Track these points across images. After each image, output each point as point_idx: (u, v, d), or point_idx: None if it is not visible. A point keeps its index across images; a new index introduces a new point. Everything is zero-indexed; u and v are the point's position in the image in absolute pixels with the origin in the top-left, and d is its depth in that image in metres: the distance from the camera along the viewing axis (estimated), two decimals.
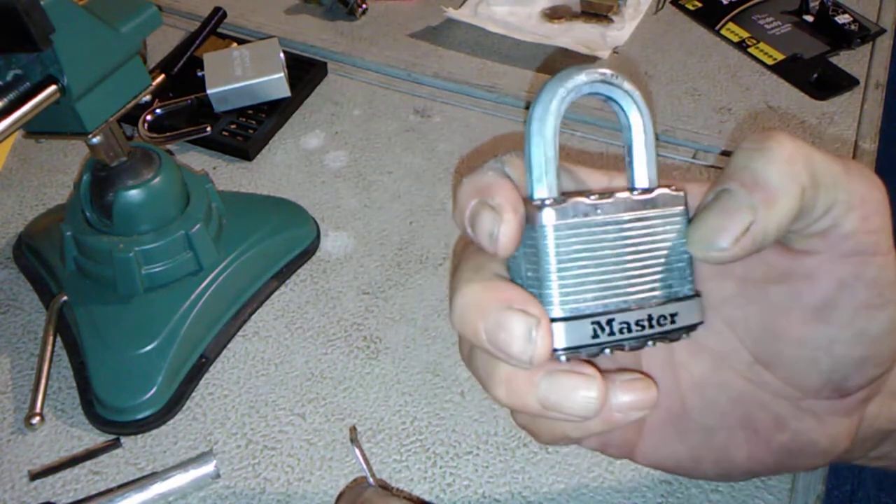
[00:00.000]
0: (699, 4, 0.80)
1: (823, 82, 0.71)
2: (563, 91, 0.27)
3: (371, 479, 0.43)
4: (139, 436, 0.48)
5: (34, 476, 0.46)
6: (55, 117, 0.44)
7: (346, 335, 0.53)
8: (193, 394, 0.50)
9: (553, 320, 0.28)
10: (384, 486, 0.44)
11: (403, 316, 0.54)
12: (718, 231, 0.27)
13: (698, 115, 0.68)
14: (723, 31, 0.76)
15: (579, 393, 0.28)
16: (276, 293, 0.56)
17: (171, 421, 0.49)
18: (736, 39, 0.75)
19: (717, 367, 0.33)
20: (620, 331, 0.28)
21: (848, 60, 0.73)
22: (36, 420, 0.48)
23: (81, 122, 0.45)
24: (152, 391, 0.48)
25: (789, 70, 0.72)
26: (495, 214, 0.27)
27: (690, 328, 0.30)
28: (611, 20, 0.76)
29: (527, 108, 0.69)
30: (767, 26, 0.76)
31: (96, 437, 0.48)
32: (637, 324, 0.29)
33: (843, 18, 0.75)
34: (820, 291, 0.29)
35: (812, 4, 0.77)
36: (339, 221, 0.60)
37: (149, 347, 0.49)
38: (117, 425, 0.48)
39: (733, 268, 0.31)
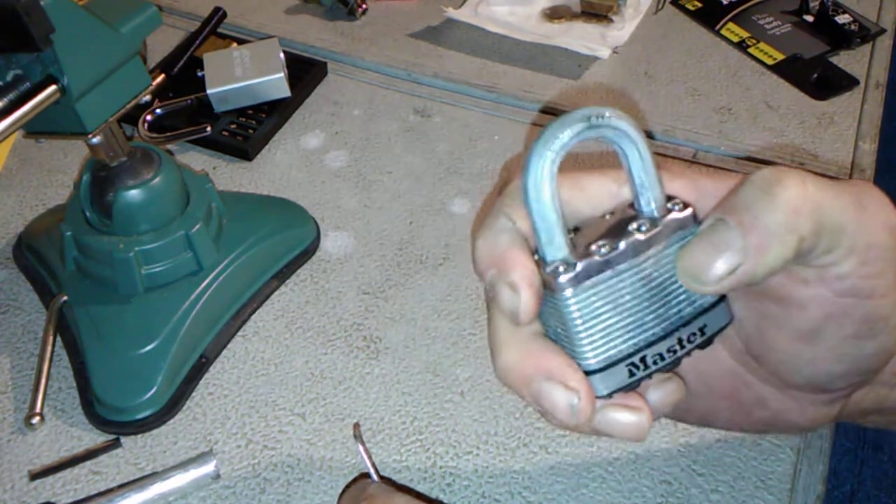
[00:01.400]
0: (699, 4, 0.80)
1: (823, 82, 0.71)
2: (552, 155, 0.27)
3: (374, 476, 0.43)
4: (139, 436, 0.48)
5: (34, 476, 0.46)
6: (55, 117, 0.44)
7: (346, 335, 0.53)
8: (193, 394, 0.50)
9: (590, 373, 0.29)
10: (387, 483, 0.45)
11: (403, 316, 0.54)
12: (705, 266, 0.27)
13: (698, 115, 0.68)
14: (723, 31, 0.76)
15: (630, 420, 0.29)
16: (276, 293, 0.56)
17: (171, 421, 0.49)
18: (736, 39, 0.75)
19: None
20: (654, 362, 0.29)
21: (848, 60, 0.73)
22: (36, 420, 0.48)
23: (81, 122, 0.45)
24: (152, 391, 0.48)
25: (789, 70, 0.72)
26: (513, 293, 0.28)
27: (720, 330, 0.31)
28: (611, 20, 0.76)
29: (528, 108, 0.69)
30: (767, 26, 0.76)
31: (96, 437, 0.48)
32: (669, 350, 0.30)
33: (843, 18, 0.75)
34: (808, 320, 0.30)
35: (812, 4, 0.77)
36: (339, 221, 0.60)
37: (149, 347, 0.49)
38: (117, 425, 0.48)
39: None
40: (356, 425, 0.48)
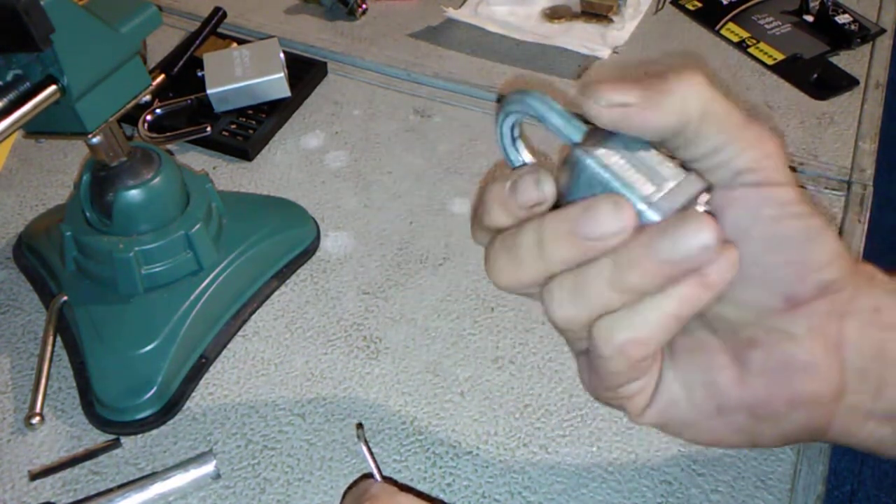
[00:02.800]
0: (699, 4, 0.80)
1: (823, 82, 0.71)
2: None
3: (377, 476, 0.43)
4: (139, 436, 0.48)
5: (34, 476, 0.46)
6: (55, 117, 0.44)
7: (346, 335, 0.53)
8: (193, 394, 0.50)
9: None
10: (390, 483, 0.44)
11: (403, 316, 0.54)
12: (606, 90, 0.31)
13: None
14: (723, 31, 0.76)
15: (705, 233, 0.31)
16: (276, 293, 0.56)
17: (171, 421, 0.49)
18: (736, 39, 0.75)
19: None
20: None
21: (848, 60, 0.73)
22: (36, 420, 0.48)
23: (81, 122, 0.45)
24: (152, 391, 0.48)
25: (789, 70, 0.72)
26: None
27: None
28: (611, 20, 0.76)
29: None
30: (767, 26, 0.76)
31: (96, 437, 0.48)
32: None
33: (843, 18, 0.75)
34: (729, 219, 0.33)
35: (812, 4, 0.77)
36: (339, 221, 0.60)
37: (149, 347, 0.49)
38: (117, 425, 0.48)
39: None
40: (359, 426, 0.48)
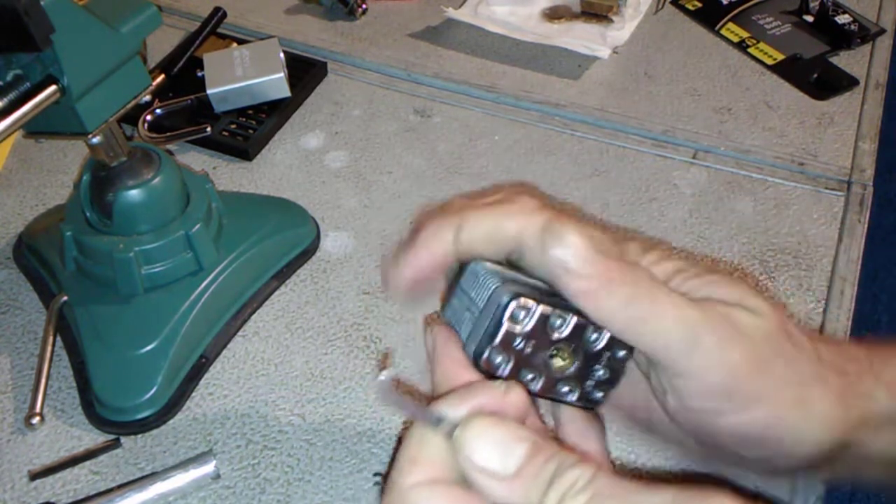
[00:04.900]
0: (699, 4, 0.80)
1: (823, 82, 0.71)
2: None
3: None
4: (139, 436, 0.48)
5: (34, 476, 0.46)
6: (55, 117, 0.44)
7: (346, 335, 0.53)
8: (193, 394, 0.50)
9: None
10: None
11: (403, 316, 0.54)
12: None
13: (698, 115, 0.68)
14: (723, 31, 0.76)
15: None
16: (276, 293, 0.56)
17: (171, 421, 0.49)
18: (736, 39, 0.75)
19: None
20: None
21: (848, 60, 0.73)
22: (36, 420, 0.48)
23: (81, 122, 0.45)
24: (152, 391, 0.48)
25: (789, 70, 0.72)
26: None
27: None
28: (611, 20, 0.76)
29: (529, 109, 0.69)
30: (767, 26, 0.76)
31: (96, 437, 0.48)
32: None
33: (843, 18, 0.75)
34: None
35: (812, 4, 0.77)
36: (339, 221, 0.60)
37: (149, 347, 0.49)
38: (117, 425, 0.48)
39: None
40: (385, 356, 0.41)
